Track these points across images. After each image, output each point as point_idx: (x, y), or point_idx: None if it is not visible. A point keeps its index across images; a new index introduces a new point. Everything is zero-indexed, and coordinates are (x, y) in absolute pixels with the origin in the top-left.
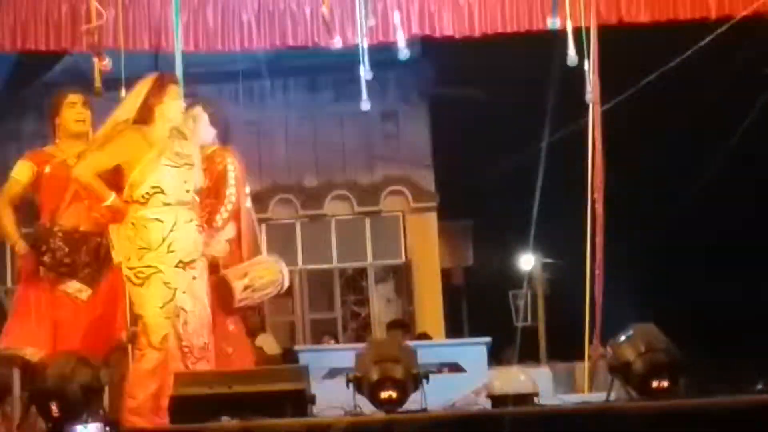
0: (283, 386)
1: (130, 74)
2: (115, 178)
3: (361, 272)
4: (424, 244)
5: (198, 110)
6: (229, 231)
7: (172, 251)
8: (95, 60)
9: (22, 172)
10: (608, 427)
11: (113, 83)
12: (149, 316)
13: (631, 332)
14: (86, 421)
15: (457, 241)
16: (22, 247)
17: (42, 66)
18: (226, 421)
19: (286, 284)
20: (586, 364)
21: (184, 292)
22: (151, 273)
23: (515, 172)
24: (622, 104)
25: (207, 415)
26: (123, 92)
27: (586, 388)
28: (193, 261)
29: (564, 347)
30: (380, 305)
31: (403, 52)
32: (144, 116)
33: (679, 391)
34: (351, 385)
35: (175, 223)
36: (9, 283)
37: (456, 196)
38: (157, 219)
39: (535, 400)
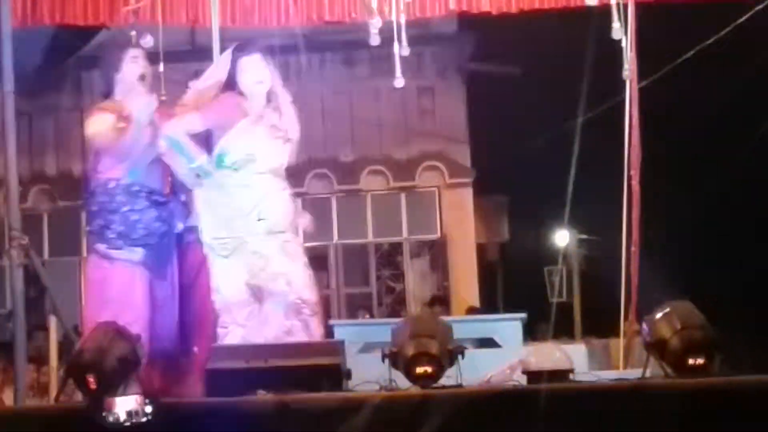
0: (318, 361)
1: (167, 49)
2: (205, 142)
3: (397, 247)
4: (460, 220)
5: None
6: None
7: (261, 219)
8: (133, 35)
9: (101, 122)
10: (643, 404)
11: (150, 57)
12: (232, 293)
13: (667, 309)
14: (124, 393)
15: (493, 216)
16: None
17: (79, 40)
18: (261, 395)
19: None
20: (621, 340)
21: (279, 257)
22: (238, 244)
23: (551, 148)
24: (660, 81)
25: (243, 388)
26: (161, 67)
27: (621, 365)
28: (282, 231)
29: (599, 323)
30: (415, 280)
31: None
32: (233, 85)
33: (715, 369)
34: (386, 360)
35: (266, 191)
36: (46, 256)
37: (492, 171)
38: (248, 186)
39: (571, 376)
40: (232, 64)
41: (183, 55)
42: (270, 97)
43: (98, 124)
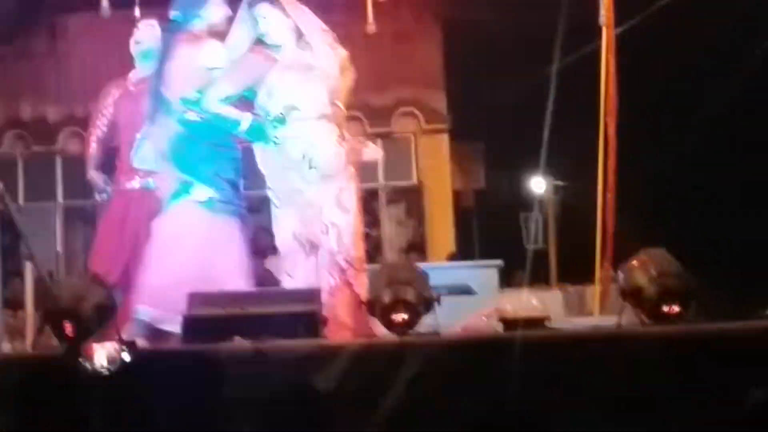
0: (295, 308)
1: None
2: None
3: (373, 194)
4: (436, 166)
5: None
6: None
7: (313, 167)
8: None
9: None
10: (620, 351)
11: (122, 2)
12: (283, 243)
13: (642, 257)
14: (100, 340)
15: (469, 163)
16: None
17: None
18: (238, 341)
19: None
20: (597, 287)
21: (332, 207)
22: (290, 194)
23: (529, 95)
24: (636, 28)
25: (220, 335)
26: (137, 11)
27: (596, 312)
28: (336, 175)
29: (574, 270)
30: (391, 227)
31: None
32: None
33: (691, 316)
34: (363, 307)
35: (313, 138)
36: (21, 201)
37: (468, 118)
38: (295, 136)
39: (547, 324)
40: (249, 17)
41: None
42: (298, 35)
43: None
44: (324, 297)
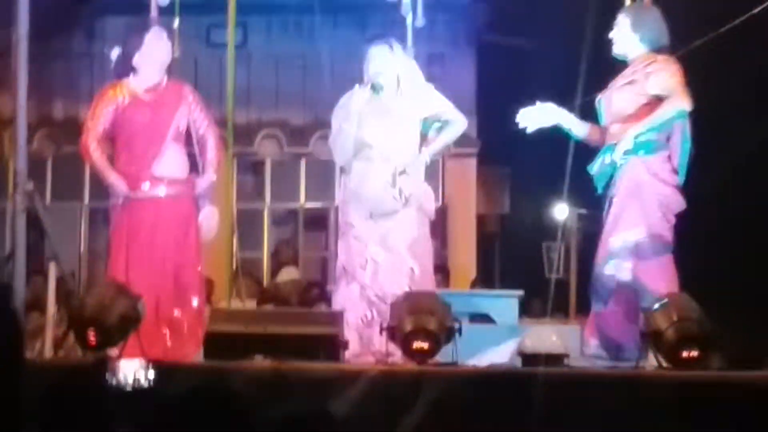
0: (317, 330)
1: (182, 2)
2: None
3: None
4: (462, 189)
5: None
6: None
7: (362, 203)
8: None
9: None
10: (637, 393)
11: (164, 10)
12: (336, 269)
13: (664, 300)
14: (122, 351)
15: (494, 187)
16: None
17: None
18: (258, 360)
19: None
20: None
21: (375, 244)
22: (347, 229)
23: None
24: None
25: (240, 353)
26: (176, 22)
27: None
28: (386, 215)
29: None
30: None
31: None
32: None
33: (710, 362)
34: (384, 334)
35: (366, 175)
36: (48, 200)
37: (496, 143)
38: (356, 172)
39: (565, 361)
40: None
41: (197, 9)
42: (398, 84)
43: None
44: (360, 327)
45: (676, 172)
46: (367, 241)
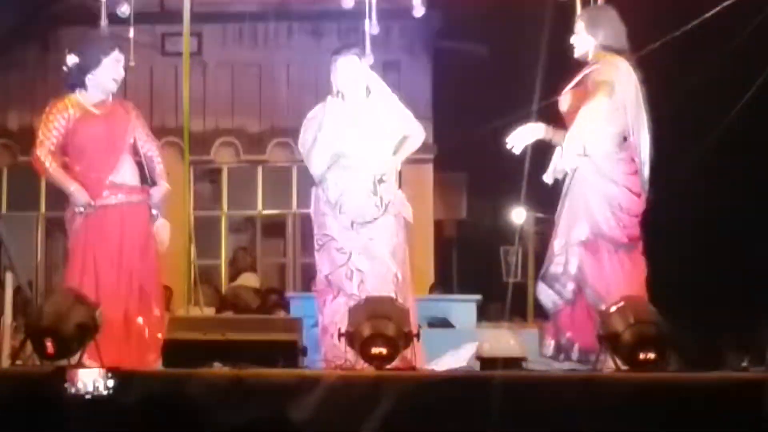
0: (275, 336)
1: (137, 11)
2: None
3: None
4: (419, 195)
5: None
6: None
7: (343, 213)
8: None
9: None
10: (594, 395)
11: (119, 18)
12: (316, 284)
13: (621, 303)
14: (80, 360)
15: (451, 193)
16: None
17: None
18: (217, 367)
19: None
20: None
21: (359, 254)
22: (327, 240)
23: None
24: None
25: (199, 360)
26: (132, 31)
27: None
28: (367, 223)
29: None
30: None
31: (419, 9)
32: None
33: (666, 364)
34: (342, 339)
35: (346, 185)
36: (3, 209)
37: (452, 148)
38: (333, 182)
39: (523, 364)
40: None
41: (151, 18)
42: (367, 93)
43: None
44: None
45: (634, 172)
46: (350, 251)
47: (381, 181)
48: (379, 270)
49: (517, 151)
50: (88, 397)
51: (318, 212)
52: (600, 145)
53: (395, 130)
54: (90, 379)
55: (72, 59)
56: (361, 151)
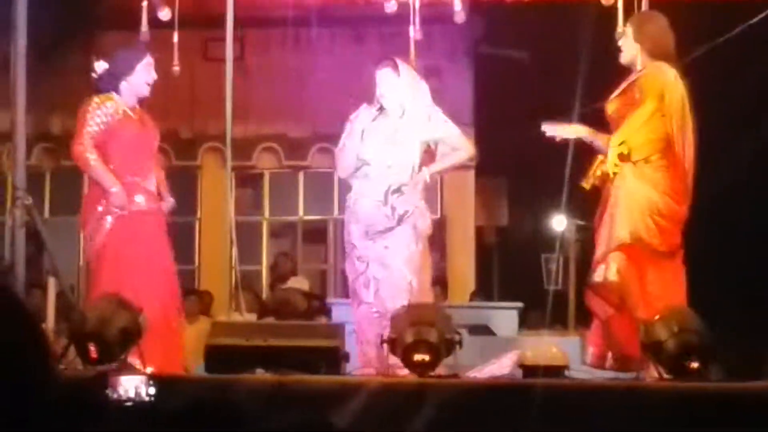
0: (317, 342)
1: (180, 15)
2: None
3: None
4: (460, 201)
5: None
6: None
7: (358, 222)
8: (145, 3)
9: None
10: (637, 404)
11: (163, 24)
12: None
13: (665, 312)
14: (123, 364)
15: (493, 199)
16: None
17: (91, 2)
18: (260, 373)
19: None
20: None
21: (374, 262)
22: (350, 249)
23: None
24: None
25: (242, 366)
26: (176, 36)
27: None
28: (381, 233)
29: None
30: None
31: (459, 15)
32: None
33: (709, 373)
34: (385, 346)
35: (361, 193)
36: (46, 214)
37: (494, 154)
38: (354, 190)
39: (566, 373)
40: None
41: (194, 23)
42: (401, 109)
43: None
44: (373, 345)
45: (677, 179)
46: (367, 260)
47: (397, 191)
48: (393, 279)
49: (558, 138)
50: (129, 403)
51: (346, 219)
52: (643, 151)
53: (429, 143)
54: (132, 385)
55: (101, 65)
56: (381, 161)
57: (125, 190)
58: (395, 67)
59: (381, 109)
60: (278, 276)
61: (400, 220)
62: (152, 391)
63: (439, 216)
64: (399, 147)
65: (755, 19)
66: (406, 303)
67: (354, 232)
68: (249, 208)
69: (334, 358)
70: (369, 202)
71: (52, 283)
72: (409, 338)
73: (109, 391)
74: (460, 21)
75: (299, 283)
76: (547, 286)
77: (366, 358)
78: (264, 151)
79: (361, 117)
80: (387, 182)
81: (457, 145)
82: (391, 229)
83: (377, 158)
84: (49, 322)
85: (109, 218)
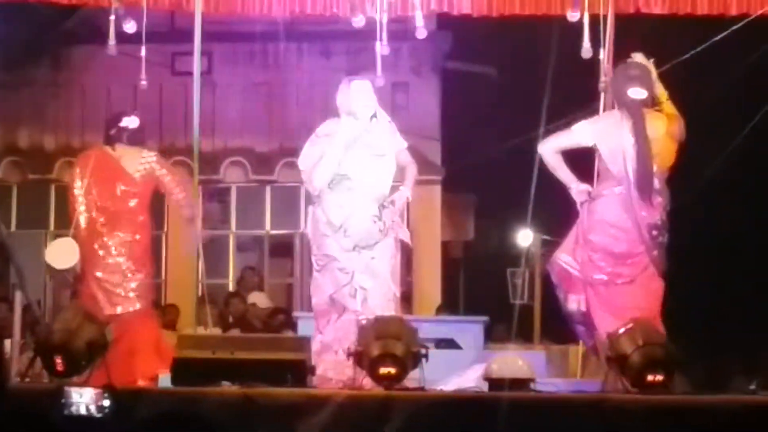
0: (284, 355)
1: (147, 30)
2: None
3: None
4: (427, 216)
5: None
6: None
7: (348, 236)
8: (113, 18)
9: None
10: (602, 417)
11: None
12: (317, 304)
13: (629, 325)
14: (89, 377)
15: (459, 214)
16: None
17: (59, 16)
18: (226, 386)
19: None
20: (580, 348)
21: (361, 273)
22: (328, 261)
23: (522, 151)
24: None
25: (208, 379)
26: (143, 50)
27: (579, 373)
28: (369, 245)
29: (558, 328)
30: None
31: (421, 32)
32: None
33: (674, 386)
34: (351, 359)
35: (352, 209)
36: (13, 227)
37: (461, 170)
38: (336, 204)
39: (531, 385)
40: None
41: (161, 37)
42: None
43: None
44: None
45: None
46: (352, 271)
47: (384, 206)
48: (381, 288)
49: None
50: (87, 415)
51: (317, 233)
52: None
53: (394, 157)
54: (86, 398)
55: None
56: (365, 175)
57: None
58: (372, 80)
59: (356, 120)
60: (244, 290)
61: (386, 233)
62: (106, 404)
63: None
64: (381, 160)
65: (720, 36)
66: (393, 313)
67: (332, 244)
68: (216, 222)
69: (300, 371)
70: (364, 216)
71: (18, 297)
72: (375, 351)
73: (63, 403)
74: (422, 37)
75: (259, 298)
76: (513, 300)
77: (339, 368)
78: (231, 165)
79: (343, 128)
80: (374, 196)
81: (408, 159)
82: (378, 241)
83: (359, 171)
84: (15, 335)
85: None
